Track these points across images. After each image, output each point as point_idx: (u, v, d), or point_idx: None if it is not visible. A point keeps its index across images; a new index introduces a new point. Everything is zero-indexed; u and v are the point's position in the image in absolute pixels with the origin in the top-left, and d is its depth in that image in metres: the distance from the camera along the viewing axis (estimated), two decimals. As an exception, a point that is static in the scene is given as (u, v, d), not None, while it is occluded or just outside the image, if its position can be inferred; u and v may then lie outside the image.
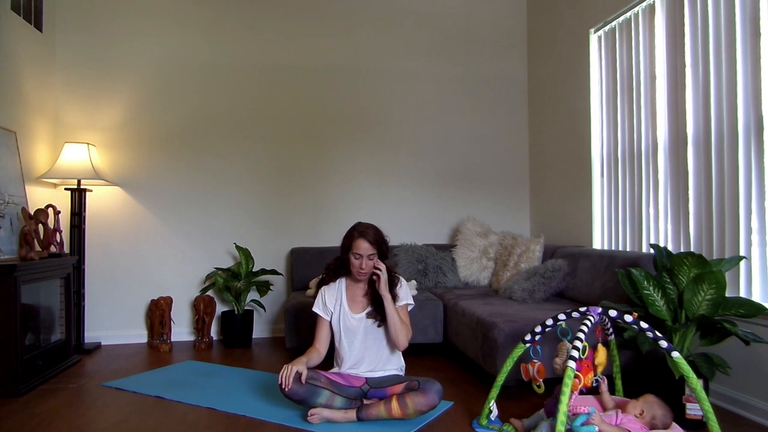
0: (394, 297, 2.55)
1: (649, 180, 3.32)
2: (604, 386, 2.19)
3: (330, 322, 2.61)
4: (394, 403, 2.30)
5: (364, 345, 2.57)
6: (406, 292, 2.66)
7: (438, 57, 4.75)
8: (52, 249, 3.47)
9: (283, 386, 2.31)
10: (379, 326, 2.56)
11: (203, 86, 4.38)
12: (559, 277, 3.46)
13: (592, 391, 2.17)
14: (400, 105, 4.68)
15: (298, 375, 2.35)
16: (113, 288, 4.20)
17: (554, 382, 2.15)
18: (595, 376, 2.07)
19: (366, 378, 2.56)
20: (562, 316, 2.18)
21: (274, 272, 4.23)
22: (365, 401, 2.45)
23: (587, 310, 2.11)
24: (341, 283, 2.64)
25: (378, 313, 2.55)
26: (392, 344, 2.59)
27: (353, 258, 2.51)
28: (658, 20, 3.23)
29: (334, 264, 2.67)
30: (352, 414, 2.36)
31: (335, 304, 2.60)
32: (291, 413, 2.51)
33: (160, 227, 4.30)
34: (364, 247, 2.48)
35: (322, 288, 2.64)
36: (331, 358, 2.70)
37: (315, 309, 2.62)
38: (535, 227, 4.75)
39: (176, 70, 4.34)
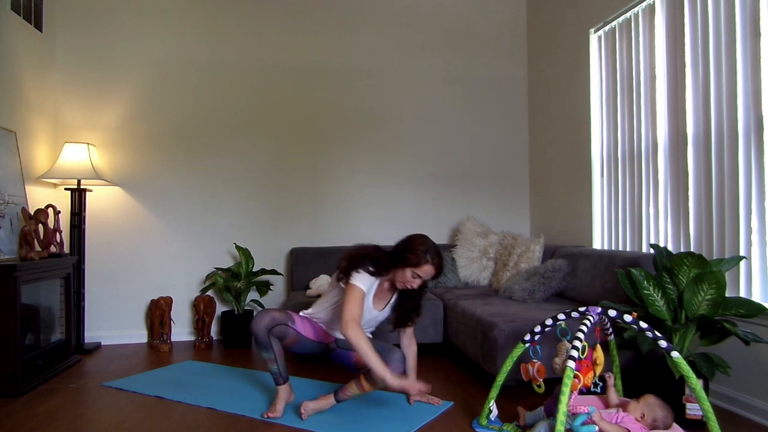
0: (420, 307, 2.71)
1: (649, 180, 3.32)
2: (611, 382, 2.19)
3: None
4: (364, 381, 2.45)
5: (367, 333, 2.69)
6: None
7: (438, 57, 4.75)
8: (52, 249, 3.47)
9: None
10: (391, 331, 2.73)
11: (203, 86, 4.38)
12: (559, 277, 3.46)
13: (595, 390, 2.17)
14: (400, 105, 4.68)
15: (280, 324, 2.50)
16: (113, 288, 4.20)
17: (554, 382, 2.15)
18: (595, 376, 2.07)
19: (335, 338, 2.67)
20: (561, 316, 2.18)
21: (274, 272, 4.23)
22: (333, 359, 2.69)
23: (586, 310, 2.11)
24: (375, 281, 2.57)
25: (398, 320, 2.67)
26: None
27: (410, 274, 2.46)
28: (658, 20, 3.23)
29: (383, 261, 2.54)
30: (330, 398, 2.52)
31: (367, 295, 2.56)
32: (291, 413, 2.51)
33: (160, 227, 4.30)
34: (430, 274, 2.48)
35: (372, 277, 2.51)
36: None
37: (362, 287, 2.48)
38: (535, 227, 4.75)
39: (176, 70, 4.34)
